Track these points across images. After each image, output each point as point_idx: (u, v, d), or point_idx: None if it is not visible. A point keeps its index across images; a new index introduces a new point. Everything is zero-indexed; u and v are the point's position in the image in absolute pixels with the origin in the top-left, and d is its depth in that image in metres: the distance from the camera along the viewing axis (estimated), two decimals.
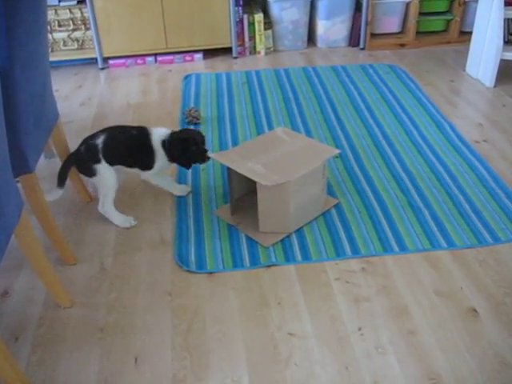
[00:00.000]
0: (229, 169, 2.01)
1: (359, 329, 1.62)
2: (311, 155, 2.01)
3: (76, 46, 3.64)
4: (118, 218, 2.09)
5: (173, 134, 2.08)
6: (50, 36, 3.54)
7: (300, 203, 1.97)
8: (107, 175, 2.03)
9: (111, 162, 2.04)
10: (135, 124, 2.85)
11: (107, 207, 2.08)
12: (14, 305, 1.75)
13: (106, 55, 3.62)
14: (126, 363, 1.54)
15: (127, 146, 2.06)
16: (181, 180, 2.34)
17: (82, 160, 2.04)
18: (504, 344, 1.55)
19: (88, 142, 2.04)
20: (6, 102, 1.48)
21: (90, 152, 2.02)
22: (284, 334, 1.61)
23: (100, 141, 2.01)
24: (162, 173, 2.19)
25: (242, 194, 2.16)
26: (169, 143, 2.06)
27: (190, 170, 2.38)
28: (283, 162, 1.96)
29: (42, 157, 2.53)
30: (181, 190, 2.24)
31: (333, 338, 1.59)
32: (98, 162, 2.01)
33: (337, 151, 2.07)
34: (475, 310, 1.67)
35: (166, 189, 2.22)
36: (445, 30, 3.91)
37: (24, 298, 1.78)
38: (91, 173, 2.03)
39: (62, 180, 2.04)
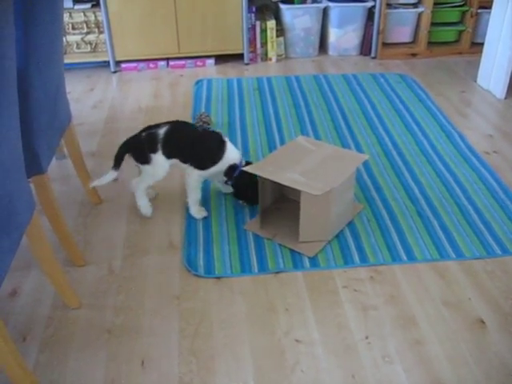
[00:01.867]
0: (260, 182, 2.00)
1: (366, 337, 1.62)
2: (343, 162, 2.01)
3: (89, 49, 3.66)
4: (142, 202, 2.12)
5: (243, 173, 2.05)
6: (63, 38, 3.57)
7: (338, 210, 1.97)
8: (159, 167, 2.05)
9: (168, 155, 2.04)
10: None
11: (140, 187, 2.10)
12: (23, 305, 1.76)
13: (118, 59, 3.64)
14: (133, 365, 1.54)
15: (192, 141, 2.06)
16: None
17: (140, 147, 2.04)
18: (511, 355, 1.55)
19: (150, 131, 2.04)
20: (21, 102, 1.49)
21: (149, 140, 2.02)
22: (291, 341, 1.61)
23: (162, 131, 2.02)
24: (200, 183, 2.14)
25: (267, 206, 2.15)
26: (238, 178, 2.10)
27: None
28: (318, 171, 1.95)
29: (54, 158, 2.55)
30: (198, 211, 2.15)
31: (340, 346, 1.59)
32: (155, 151, 2.02)
33: (366, 157, 2.07)
34: (483, 321, 1.66)
35: (190, 199, 2.14)
36: (456, 41, 3.91)
37: (32, 298, 1.79)
38: (145, 161, 2.04)
39: (117, 163, 2.06)
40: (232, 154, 2.10)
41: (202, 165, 2.07)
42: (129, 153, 2.07)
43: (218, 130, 2.19)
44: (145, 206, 2.13)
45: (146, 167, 2.06)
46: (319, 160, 2.01)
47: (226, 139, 2.12)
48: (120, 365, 1.55)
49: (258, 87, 3.35)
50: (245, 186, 2.09)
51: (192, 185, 2.11)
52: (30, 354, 1.58)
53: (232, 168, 2.09)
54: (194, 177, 2.10)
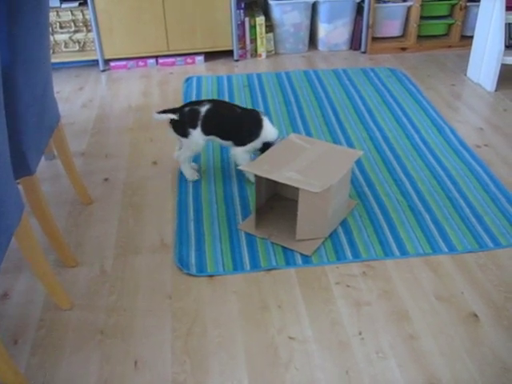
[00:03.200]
0: (256, 181, 2.01)
1: (360, 333, 1.62)
2: (338, 158, 2.00)
3: (77, 48, 3.64)
4: (187, 170, 2.32)
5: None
6: (51, 38, 3.54)
7: (335, 207, 1.97)
8: (194, 142, 2.23)
9: (206, 132, 2.21)
10: (137, 126, 2.88)
11: (183, 159, 2.29)
12: (14, 307, 1.75)
13: (107, 57, 3.62)
14: (126, 366, 1.54)
15: (231, 120, 2.22)
16: (181, 179, 2.34)
17: (181, 120, 2.20)
18: (505, 349, 1.55)
19: (192, 107, 2.20)
20: (8, 104, 1.47)
21: (190, 116, 2.19)
22: (284, 338, 1.61)
23: (203, 109, 2.19)
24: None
25: (261, 205, 2.14)
26: None
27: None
28: (315, 168, 1.94)
29: (43, 158, 2.53)
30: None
31: (333, 342, 1.59)
32: (194, 127, 2.19)
33: (360, 153, 2.06)
34: (476, 315, 1.67)
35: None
36: (446, 34, 3.91)
37: (24, 300, 1.77)
38: (184, 134, 2.22)
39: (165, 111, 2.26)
40: (268, 132, 2.21)
41: (241, 142, 2.22)
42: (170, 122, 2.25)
43: (257, 109, 2.33)
44: (189, 173, 2.32)
45: (184, 140, 2.24)
46: (314, 157, 2.01)
47: (264, 117, 2.23)
48: (113, 366, 1.54)
49: (248, 84, 3.34)
50: None
51: (239, 161, 2.26)
52: (22, 356, 1.57)
53: (266, 145, 2.18)
54: (238, 152, 2.25)
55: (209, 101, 2.23)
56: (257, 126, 2.21)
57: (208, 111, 2.18)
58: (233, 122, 2.22)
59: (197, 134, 2.20)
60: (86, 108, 3.12)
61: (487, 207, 2.13)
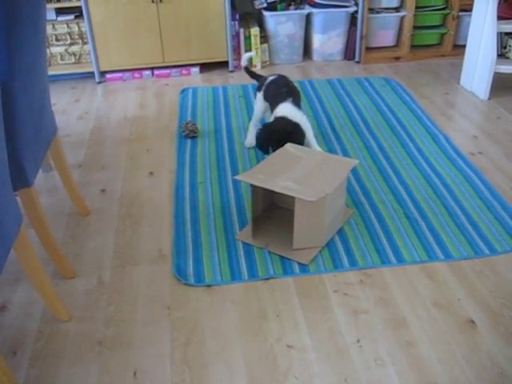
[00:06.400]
0: (252, 191, 2.01)
1: (358, 341, 1.62)
2: (334, 167, 2.01)
3: (73, 60, 3.66)
4: (249, 136, 2.72)
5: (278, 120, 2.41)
6: (47, 50, 3.56)
7: (331, 215, 1.97)
8: (259, 104, 2.67)
9: (265, 98, 2.62)
10: (133, 137, 2.89)
11: (251, 123, 2.73)
12: (12, 319, 1.75)
13: (103, 69, 3.64)
14: (125, 377, 1.54)
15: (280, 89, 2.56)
16: (178, 190, 2.34)
17: (260, 84, 2.68)
18: (502, 355, 1.56)
19: (264, 76, 2.72)
20: (5, 116, 1.49)
21: (260, 82, 2.70)
22: (283, 347, 1.61)
23: (269, 79, 2.64)
24: None
25: (258, 215, 2.15)
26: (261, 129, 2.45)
27: (188, 182, 2.40)
28: (310, 177, 1.95)
29: (40, 171, 2.54)
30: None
31: (331, 350, 1.59)
32: (260, 91, 2.65)
33: (355, 162, 2.08)
34: (473, 321, 1.68)
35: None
36: (439, 44, 3.95)
37: (22, 312, 1.77)
38: (255, 94, 2.70)
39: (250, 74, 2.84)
40: (283, 110, 2.43)
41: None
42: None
43: (291, 93, 2.55)
44: (249, 139, 2.71)
45: (256, 99, 2.69)
46: (310, 167, 2.02)
47: (287, 101, 2.46)
48: (112, 377, 1.54)
49: (244, 94, 3.36)
50: (261, 138, 2.40)
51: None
52: (21, 368, 1.57)
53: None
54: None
55: (278, 75, 2.67)
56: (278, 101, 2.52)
57: (269, 81, 2.62)
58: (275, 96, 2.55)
59: (259, 97, 2.64)
60: (83, 120, 3.13)
61: (482, 214, 2.15)
